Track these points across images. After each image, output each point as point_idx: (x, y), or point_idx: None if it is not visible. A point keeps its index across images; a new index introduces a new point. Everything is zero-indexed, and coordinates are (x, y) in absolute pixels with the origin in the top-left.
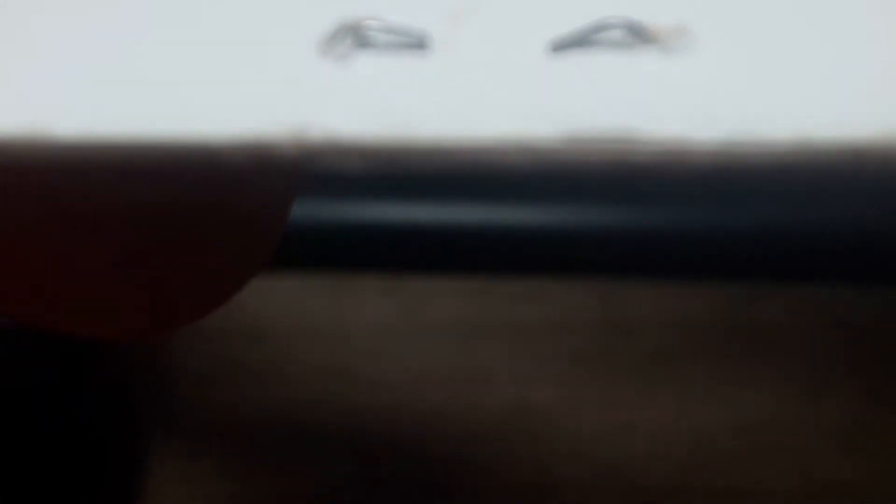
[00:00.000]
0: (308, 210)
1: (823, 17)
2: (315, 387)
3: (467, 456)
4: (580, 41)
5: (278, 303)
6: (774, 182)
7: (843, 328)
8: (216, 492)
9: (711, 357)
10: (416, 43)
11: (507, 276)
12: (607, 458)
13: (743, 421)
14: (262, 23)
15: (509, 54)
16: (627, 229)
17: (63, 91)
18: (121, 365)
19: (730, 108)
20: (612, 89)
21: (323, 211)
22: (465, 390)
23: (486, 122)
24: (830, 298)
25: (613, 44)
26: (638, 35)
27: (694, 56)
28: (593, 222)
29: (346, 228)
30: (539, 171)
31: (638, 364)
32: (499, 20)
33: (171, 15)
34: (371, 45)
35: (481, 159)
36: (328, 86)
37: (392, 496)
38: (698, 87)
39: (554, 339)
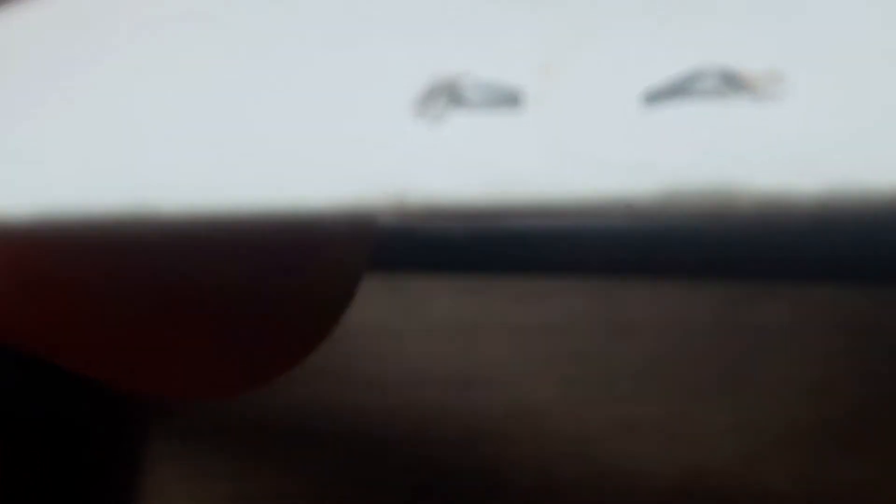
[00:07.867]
0: None
1: None
2: (315, 387)
3: (467, 456)
4: (674, 91)
5: None
6: None
7: (844, 328)
8: (216, 492)
9: (712, 357)
10: (510, 99)
11: (507, 276)
12: (607, 458)
13: (743, 421)
14: (354, 87)
15: (603, 107)
16: (627, 229)
17: (166, 166)
18: None
19: (830, 155)
20: (710, 140)
21: None
22: (465, 390)
23: (586, 178)
24: (830, 298)
25: (707, 92)
26: (732, 83)
27: (790, 102)
28: (593, 222)
29: None
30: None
31: (638, 364)
32: (590, 72)
33: (261, 83)
34: (464, 104)
35: (583, 217)
36: (426, 148)
37: (392, 496)
38: (796, 135)
39: (554, 339)
